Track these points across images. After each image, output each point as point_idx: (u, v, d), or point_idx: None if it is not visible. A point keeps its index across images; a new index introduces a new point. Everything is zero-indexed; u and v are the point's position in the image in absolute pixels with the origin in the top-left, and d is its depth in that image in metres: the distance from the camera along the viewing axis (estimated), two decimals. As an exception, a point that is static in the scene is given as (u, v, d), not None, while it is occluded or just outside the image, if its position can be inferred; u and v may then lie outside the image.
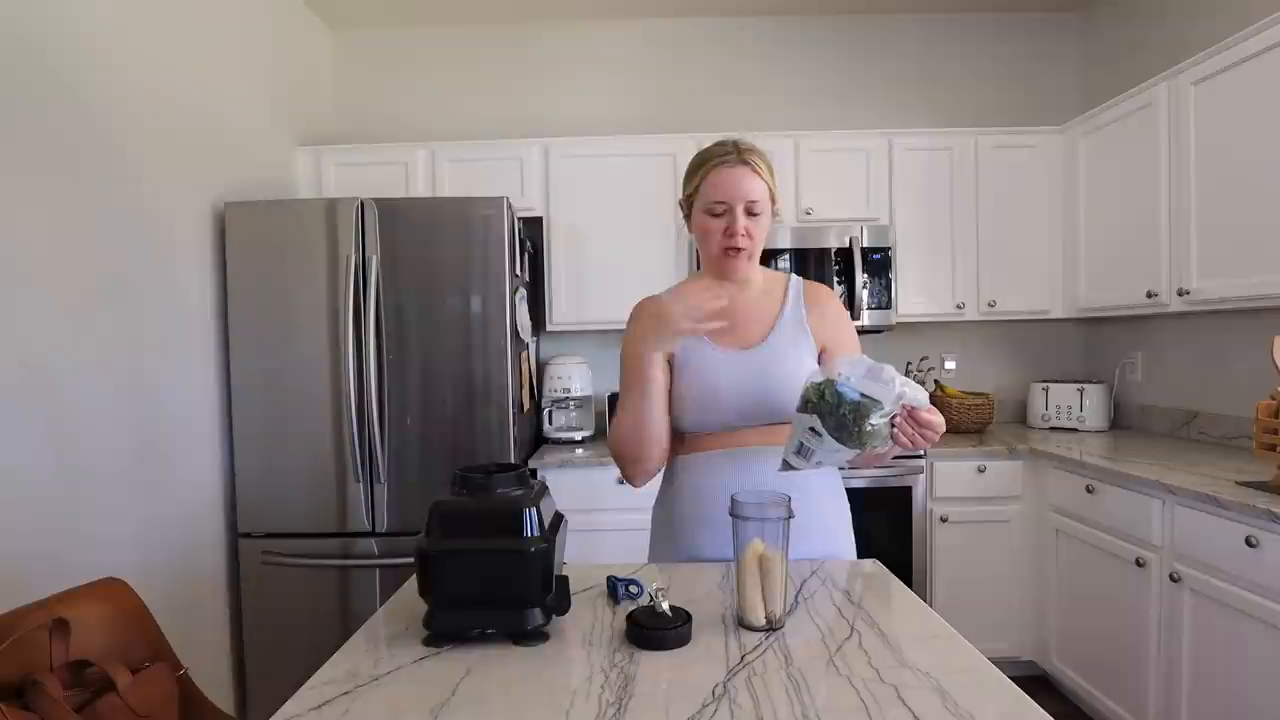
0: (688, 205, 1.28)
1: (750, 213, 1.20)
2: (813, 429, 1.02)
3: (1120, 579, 2.07)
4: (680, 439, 1.29)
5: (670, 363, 1.27)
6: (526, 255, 2.64)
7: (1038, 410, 2.91)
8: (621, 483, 2.09)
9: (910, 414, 1.03)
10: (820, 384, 1.03)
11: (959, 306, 2.83)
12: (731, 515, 0.97)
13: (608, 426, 1.36)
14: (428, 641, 0.92)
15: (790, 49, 3.15)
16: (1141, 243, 2.39)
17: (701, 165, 1.22)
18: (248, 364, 2.24)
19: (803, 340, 1.27)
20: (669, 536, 1.30)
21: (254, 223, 2.24)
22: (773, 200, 1.23)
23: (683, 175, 1.30)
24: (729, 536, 1.08)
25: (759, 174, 1.19)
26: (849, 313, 2.64)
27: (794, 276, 1.35)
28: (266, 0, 2.62)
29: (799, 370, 1.22)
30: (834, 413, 1.00)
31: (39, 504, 1.60)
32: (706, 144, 1.27)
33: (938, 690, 0.77)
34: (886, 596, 1.07)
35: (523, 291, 2.50)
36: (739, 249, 1.22)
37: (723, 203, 1.20)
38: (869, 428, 0.99)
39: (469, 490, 0.95)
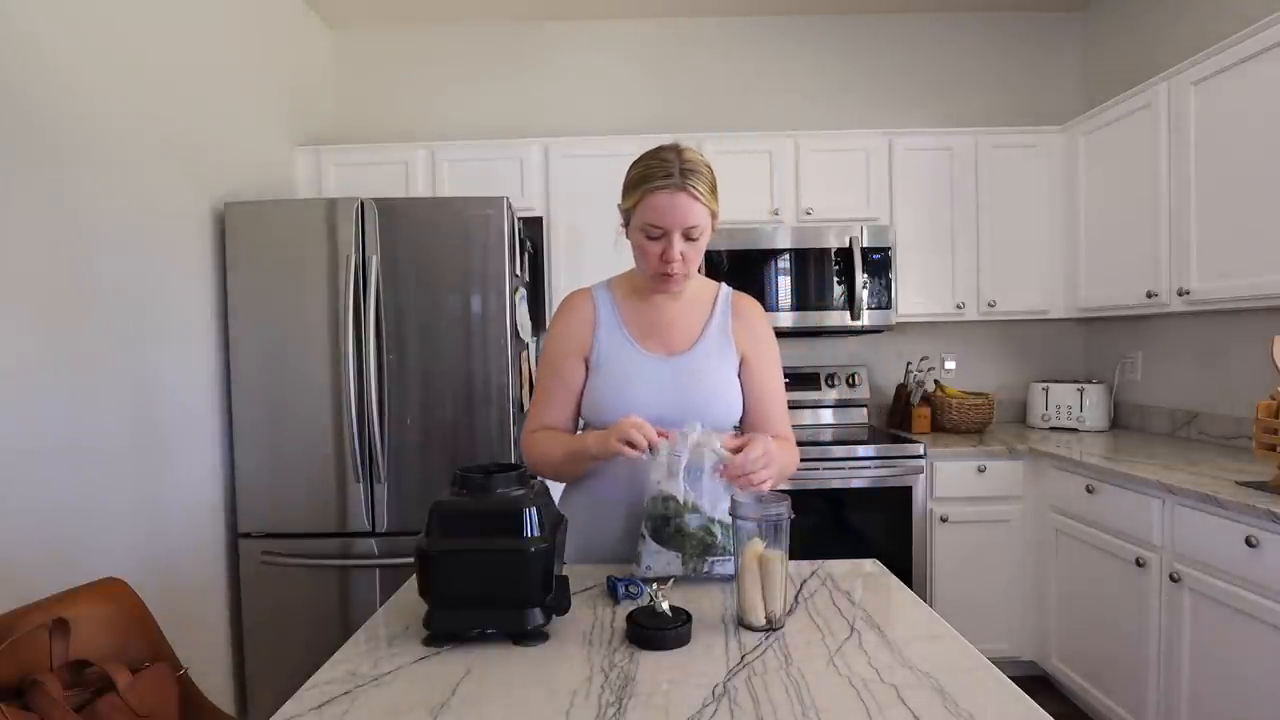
0: (626, 216, 1.22)
1: (687, 237, 1.17)
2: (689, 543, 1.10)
3: (1120, 579, 2.07)
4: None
5: (587, 360, 1.28)
6: (526, 255, 2.64)
7: (1038, 410, 2.91)
8: None
9: (726, 469, 1.07)
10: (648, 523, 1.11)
11: (959, 306, 2.83)
12: (732, 515, 0.97)
13: (522, 430, 1.40)
14: (428, 641, 0.92)
15: (790, 49, 3.15)
16: (1141, 243, 2.39)
17: (640, 184, 1.16)
18: (248, 364, 2.24)
19: (727, 350, 1.28)
20: (571, 535, 1.28)
21: (254, 223, 2.24)
22: (713, 216, 1.19)
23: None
24: (631, 538, 1.14)
25: (698, 199, 1.14)
26: (847, 311, 2.70)
27: (724, 286, 1.35)
28: (266, 0, 2.63)
29: (720, 381, 1.25)
30: (675, 535, 1.09)
31: (39, 504, 1.60)
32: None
33: (938, 690, 0.77)
34: (886, 596, 1.07)
35: (523, 291, 2.50)
36: (672, 274, 1.19)
37: (659, 228, 1.15)
38: (692, 527, 1.08)
39: (469, 490, 0.95)
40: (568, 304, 1.33)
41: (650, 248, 1.18)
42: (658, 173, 1.14)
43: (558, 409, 1.29)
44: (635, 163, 1.20)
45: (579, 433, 1.30)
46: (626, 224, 1.23)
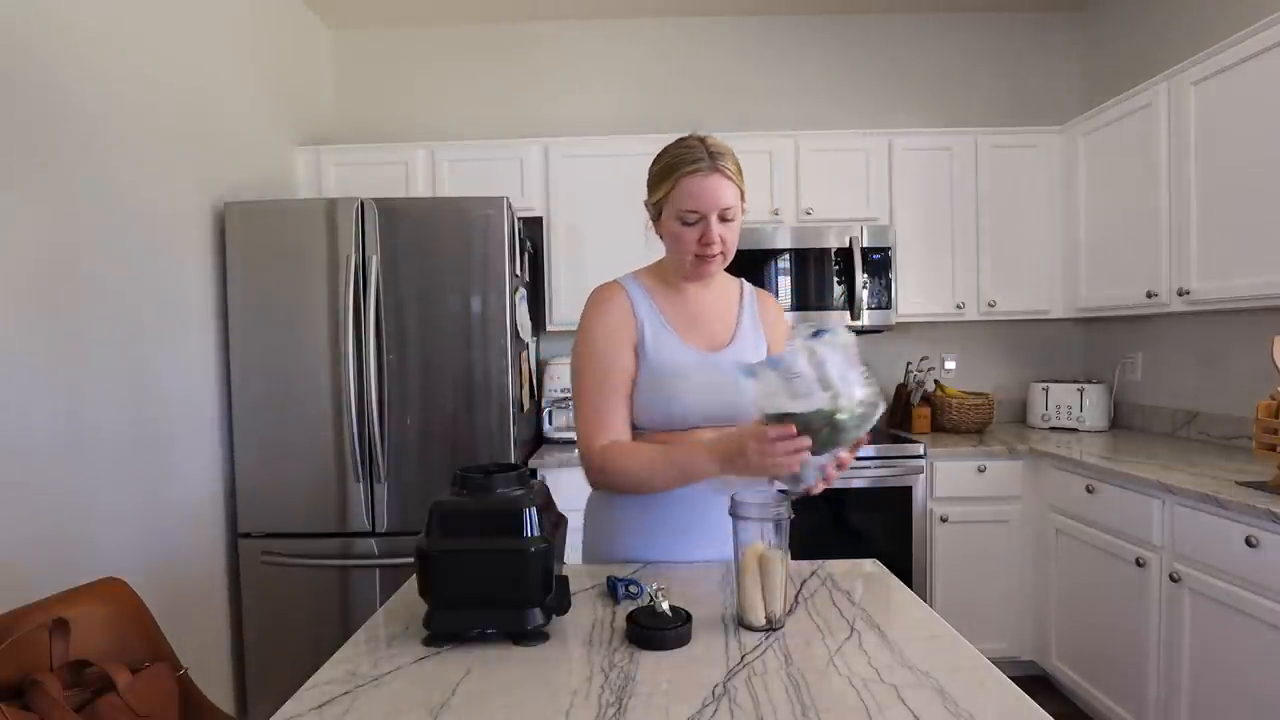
0: (656, 209, 1.23)
1: (723, 219, 1.18)
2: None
3: (1120, 579, 2.07)
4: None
5: (636, 352, 1.24)
6: (526, 255, 2.64)
7: (1038, 410, 2.91)
8: None
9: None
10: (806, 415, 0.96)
11: (959, 306, 2.83)
12: (731, 515, 0.97)
13: (579, 434, 1.30)
14: (428, 641, 0.92)
15: (790, 49, 3.15)
16: (1141, 243, 2.39)
17: (672, 172, 1.17)
18: (248, 364, 2.24)
19: (760, 344, 1.30)
20: (615, 534, 1.26)
21: (254, 223, 2.24)
22: (742, 197, 1.21)
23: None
24: (689, 539, 1.14)
25: (731, 179, 1.17)
26: (847, 311, 2.71)
27: (745, 281, 1.37)
28: (265, 0, 2.62)
29: None
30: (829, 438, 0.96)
31: (39, 504, 1.60)
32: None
33: (938, 690, 0.77)
34: (886, 596, 1.07)
35: (523, 291, 2.50)
36: (713, 256, 1.20)
37: (696, 212, 1.16)
38: (849, 421, 0.95)
39: (469, 490, 0.95)
40: (603, 297, 1.27)
41: (687, 234, 1.19)
42: (687, 158, 1.16)
43: (620, 408, 1.22)
44: (660, 155, 1.22)
45: (685, 437, 1.21)
46: (657, 218, 1.24)
